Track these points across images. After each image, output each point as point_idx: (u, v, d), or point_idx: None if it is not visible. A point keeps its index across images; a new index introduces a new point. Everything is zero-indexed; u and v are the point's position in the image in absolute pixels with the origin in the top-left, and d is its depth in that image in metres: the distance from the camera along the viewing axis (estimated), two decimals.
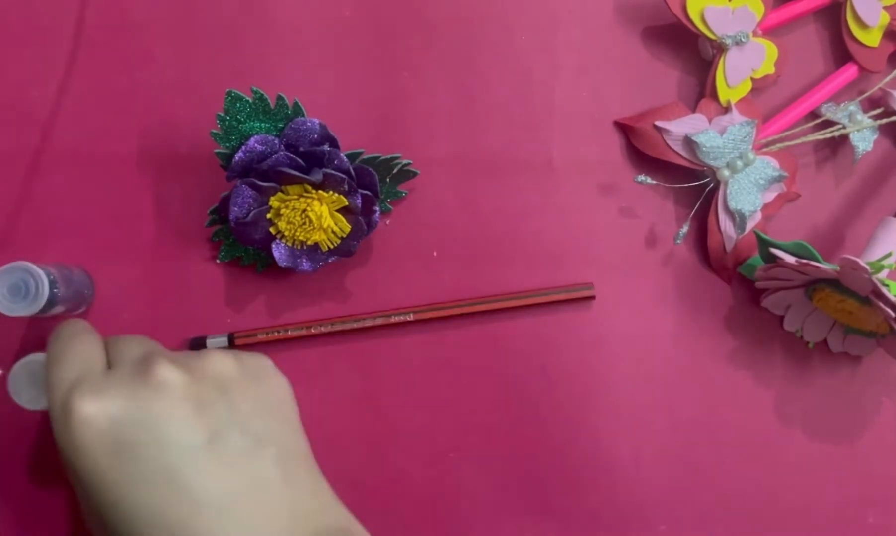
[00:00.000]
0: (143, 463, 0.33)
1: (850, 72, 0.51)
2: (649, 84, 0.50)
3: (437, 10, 0.49)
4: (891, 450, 0.48)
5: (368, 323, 0.46)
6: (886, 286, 0.41)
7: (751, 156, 0.47)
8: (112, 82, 0.47)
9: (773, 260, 0.44)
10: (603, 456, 0.47)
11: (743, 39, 0.48)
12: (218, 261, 0.47)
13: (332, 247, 0.44)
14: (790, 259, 0.43)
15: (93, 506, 0.34)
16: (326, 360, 0.47)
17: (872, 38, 0.50)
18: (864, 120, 0.50)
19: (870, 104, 0.51)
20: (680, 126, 0.47)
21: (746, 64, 0.48)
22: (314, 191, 0.43)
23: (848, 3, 0.50)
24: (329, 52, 0.48)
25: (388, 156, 0.46)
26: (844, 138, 0.50)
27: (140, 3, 0.48)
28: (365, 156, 0.45)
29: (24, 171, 0.47)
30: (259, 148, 0.42)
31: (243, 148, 0.42)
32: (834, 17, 0.51)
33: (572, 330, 0.48)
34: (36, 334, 0.45)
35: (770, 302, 0.47)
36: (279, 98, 0.42)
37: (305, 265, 0.45)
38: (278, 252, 0.44)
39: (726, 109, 0.48)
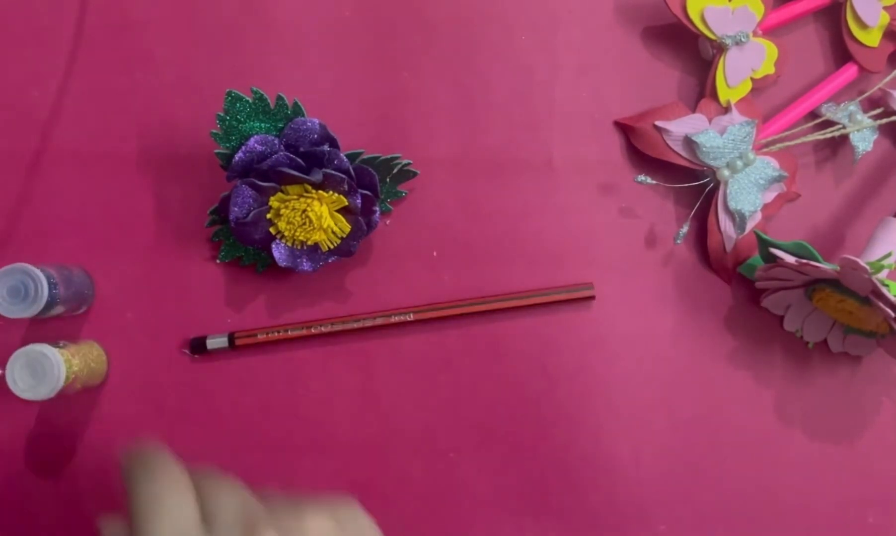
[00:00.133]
0: None
1: (850, 72, 0.51)
2: (649, 84, 0.50)
3: (437, 10, 0.49)
4: (891, 450, 0.48)
5: (368, 323, 0.46)
6: (886, 286, 0.41)
7: (751, 156, 0.47)
8: (112, 82, 0.47)
9: (773, 260, 0.44)
10: (603, 456, 0.47)
11: (743, 39, 0.48)
12: (218, 261, 0.47)
13: (332, 247, 0.44)
14: (790, 259, 0.43)
15: None
16: (326, 360, 0.47)
17: (872, 38, 0.50)
18: (864, 120, 0.50)
19: (870, 104, 0.51)
20: (680, 126, 0.47)
21: (746, 64, 0.48)
22: (314, 191, 0.43)
23: (848, 3, 0.50)
24: (329, 52, 0.48)
25: (388, 156, 0.46)
26: (844, 138, 0.50)
27: (140, 3, 0.48)
28: (365, 156, 0.45)
29: (24, 171, 0.47)
30: (259, 148, 0.42)
31: (243, 148, 0.42)
32: (834, 17, 0.51)
33: (572, 330, 0.48)
34: (36, 334, 0.45)
35: (770, 302, 0.47)
36: (279, 98, 0.42)
37: (305, 265, 0.45)
38: (278, 252, 0.44)
39: (726, 109, 0.48)
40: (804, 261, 0.42)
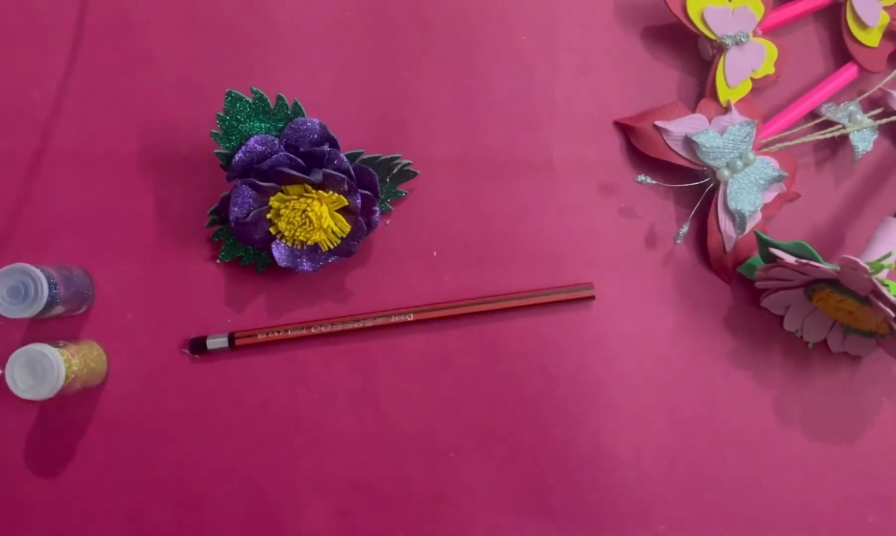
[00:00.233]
0: None
1: (850, 72, 0.51)
2: (649, 84, 0.50)
3: (437, 10, 0.49)
4: (891, 450, 0.48)
5: (368, 323, 0.46)
6: (886, 286, 0.41)
7: (751, 156, 0.47)
8: (112, 82, 0.47)
9: (773, 260, 0.44)
10: (603, 456, 0.47)
11: (743, 39, 0.48)
12: (218, 261, 0.47)
13: (332, 247, 0.44)
14: (790, 259, 0.43)
15: None
16: (326, 360, 0.47)
17: (872, 38, 0.50)
18: (864, 120, 0.50)
19: (870, 104, 0.51)
20: (680, 126, 0.47)
21: (746, 64, 0.48)
22: (314, 191, 0.43)
23: (848, 3, 0.50)
24: (329, 52, 0.48)
25: (388, 156, 0.46)
26: (844, 138, 0.50)
27: (140, 3, 0.48)
28: (365, 156, 0.45)
29: (24, 171, 0.47)
30: (259, 148, 0.42)
31: (243, 148, 0.42)
32: (834, 17, 0.51)
33: (572, 330, 0.48)
34: (36, 334, 0.45)
35: (770, 302, 0.47)
36: (279, 98, 0.42)
37: (305, 265, 0.45)
38: (278, 252, 0.44)
39: (726, 109, 0.48)
40: (804, 261, 0.42)
